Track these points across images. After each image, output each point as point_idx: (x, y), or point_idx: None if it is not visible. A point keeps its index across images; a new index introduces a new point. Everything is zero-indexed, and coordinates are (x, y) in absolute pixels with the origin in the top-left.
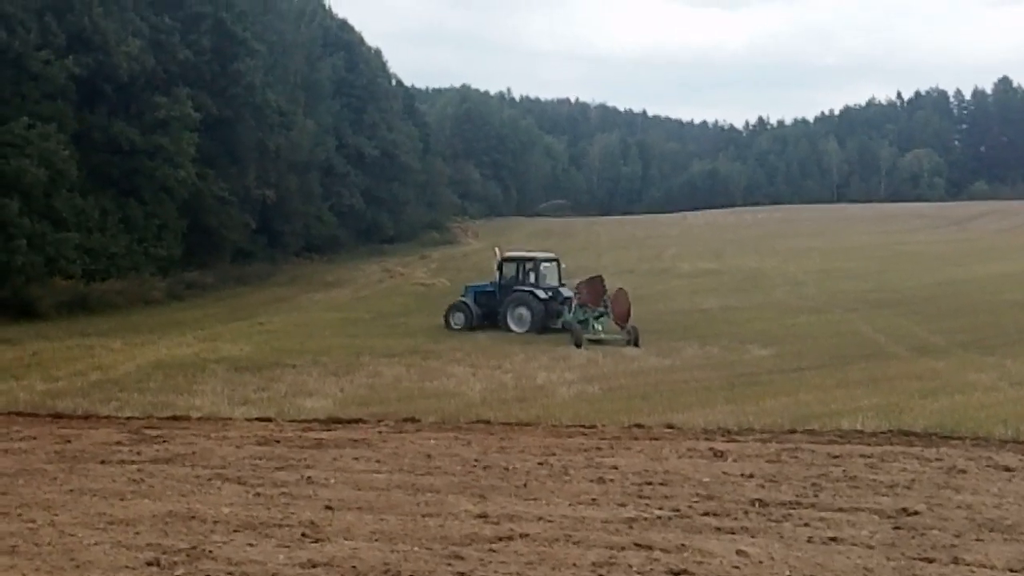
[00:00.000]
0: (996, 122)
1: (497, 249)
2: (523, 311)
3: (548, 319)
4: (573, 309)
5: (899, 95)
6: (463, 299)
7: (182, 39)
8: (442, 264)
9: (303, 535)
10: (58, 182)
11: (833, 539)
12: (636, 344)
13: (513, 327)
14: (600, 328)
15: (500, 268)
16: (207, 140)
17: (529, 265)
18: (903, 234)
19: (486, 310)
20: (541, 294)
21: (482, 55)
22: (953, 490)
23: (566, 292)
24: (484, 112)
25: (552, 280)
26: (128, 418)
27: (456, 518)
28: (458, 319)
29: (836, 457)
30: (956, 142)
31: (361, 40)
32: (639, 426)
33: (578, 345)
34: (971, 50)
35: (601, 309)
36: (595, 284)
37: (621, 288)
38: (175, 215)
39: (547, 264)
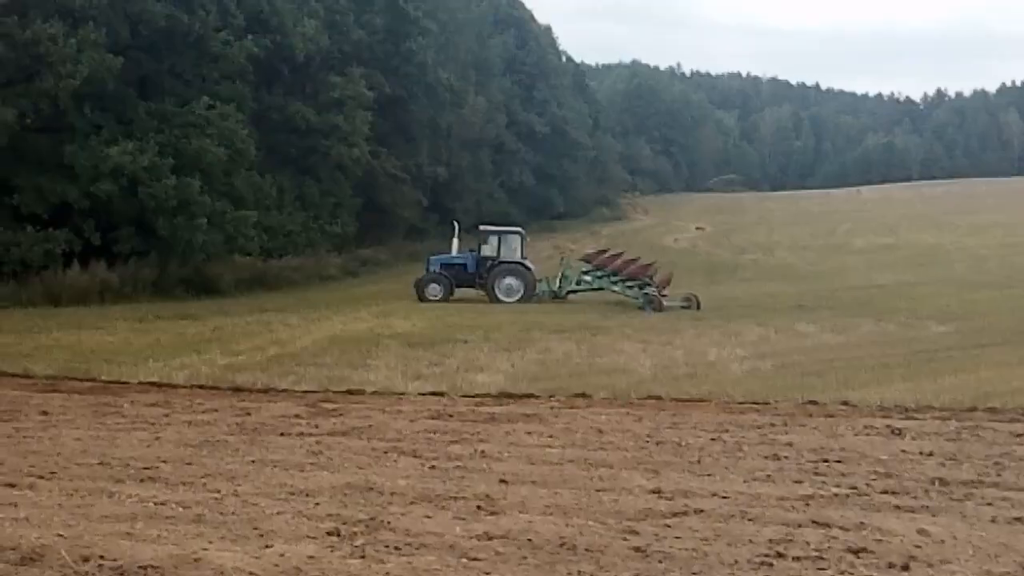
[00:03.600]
0: None
1: (455, 223)
2: (513, 281)
3: (534, 290)
4: (562, 277)
5: None
6: (439, 266)
7: (356, 19)
8: (612, 240)
9: (478, 508)
10: (237, 161)
11: (1018, 519)
12: (698, 308)
13: (502, 297)
14: (649, 293)
15: (479, 240)
16: (380, 119)
17: (503, 239)
18: None
19: (457, 281)
20: (529, 264)
21: (653, 30)
22: None
23: (529, 264)
24: (654, 87)
25: (519, 253)
26: (305, 392)
27: (630, 493)
28: (434, 290)
29: (1019, 436)
30: None
31: (531, 18)
32: (813, 403)
33: (659, 310)
34: None
35: (646, 279)
36: (623, 255)
37: (655, 262)
38: (349, 193)
39: (516, 236)
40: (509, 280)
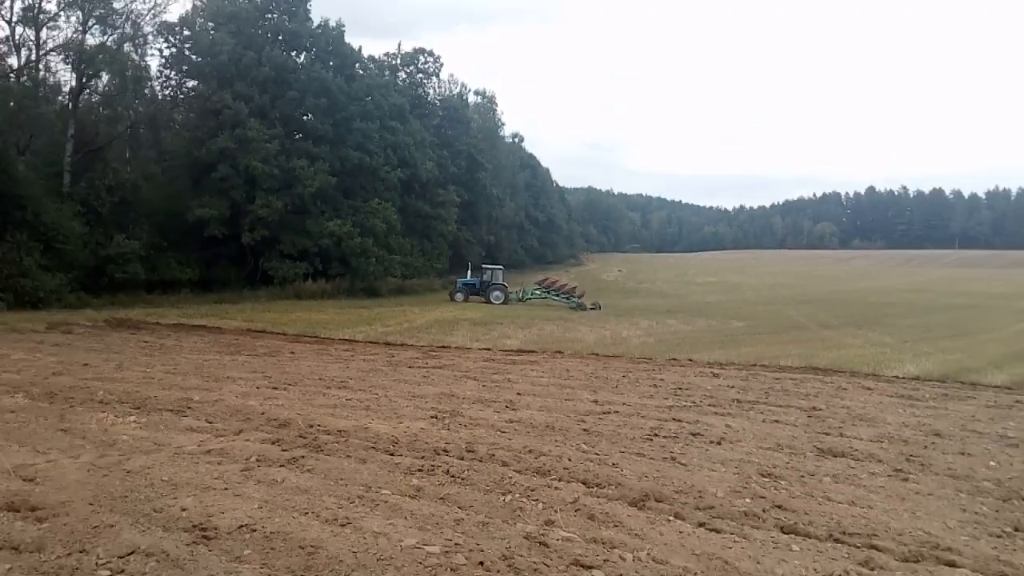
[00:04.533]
0: (867, 208)
1: (469, 263)
2: (499, 293)
3: (508, 297)
4: (523, 291)
5: (814, 194)
6: (461, 285)
7: (452, 162)
8: (576, 275)
9: (506, 407)
10: (391, 231)
11: (776, 421)
12: (600, 309)
13: (493, 301)
14: (576, 302)
15: (481, 272)
16: (463, 212)
17: (493, 272)
18: (815, 266)
19: (471, 292)
20: (506, 286)
21: (601, 170)
22: (839, 398)
23: (505, 284)
24: (599, 199)
25: (500, 278)
26: (421, 346)
27: (582, 402)
28: (458, 296)
29: (777, 379)
30: (844, 219)
31: (539, 163)
32: (674, 359)
33: (583, 309)
34: (855, 168)
35: (574, 295)
36: (558, 282)
37: (576, 285)
38: (446, 248)
39: (499, 270)
40: (496, 292)
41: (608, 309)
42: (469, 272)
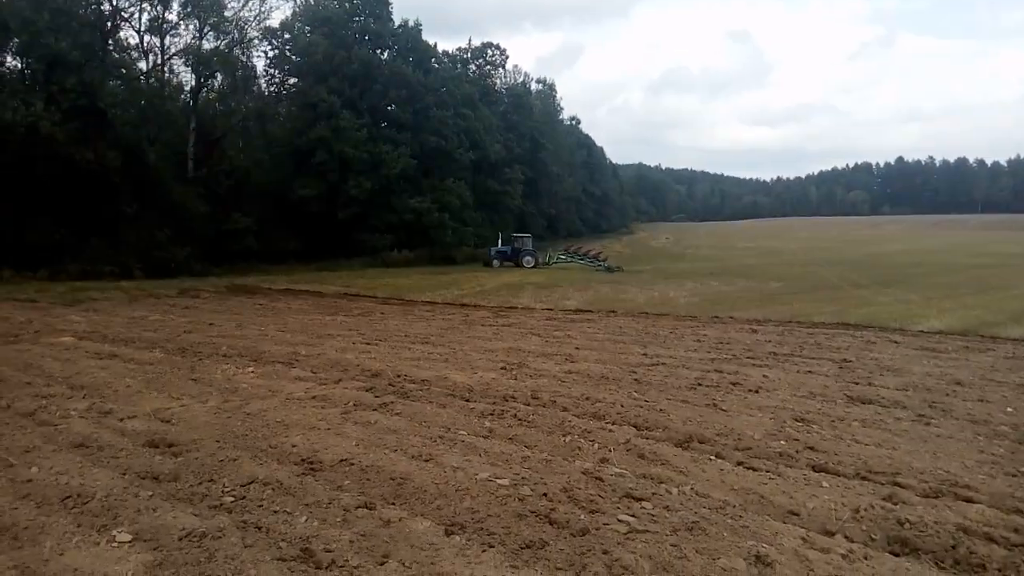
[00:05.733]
0: (896, 177)
1: (500, 232)
2: (530, 258)
3: (538, 261)
4: (549, 256)
5: (846, 164)
6: (495, 252)
7: (516, 144)
8: (627, 243)
9: (566, 359)
10: (464, 206)
11: (809, 372)
12: (622, 271)
13: (525, 266)
14: (603, 265)
15: (512, 240)
16: (526, 188)
17: (523, 240)
18: (848, 231)
19: (505, 258)
20: (536, 251)
21: (649, 147)
22: (868, 351)
23: (534, 250)
24: (648, 175)
25: (530, 245)
26: (492, 306)
27: (633, 355)
28: (495, 262)
29: (811, 335)
30: (875, 187)
31: (594, 143)
32: (716, 317)
33: (612, 271)
34: (885, 139)
35: (598, 259)
36: (582, 248)
37: (600, 251)
38: (512, 221)
39: (528, 238)
40: (528, 257)
41: (656, 272)
42: (500, 241)
